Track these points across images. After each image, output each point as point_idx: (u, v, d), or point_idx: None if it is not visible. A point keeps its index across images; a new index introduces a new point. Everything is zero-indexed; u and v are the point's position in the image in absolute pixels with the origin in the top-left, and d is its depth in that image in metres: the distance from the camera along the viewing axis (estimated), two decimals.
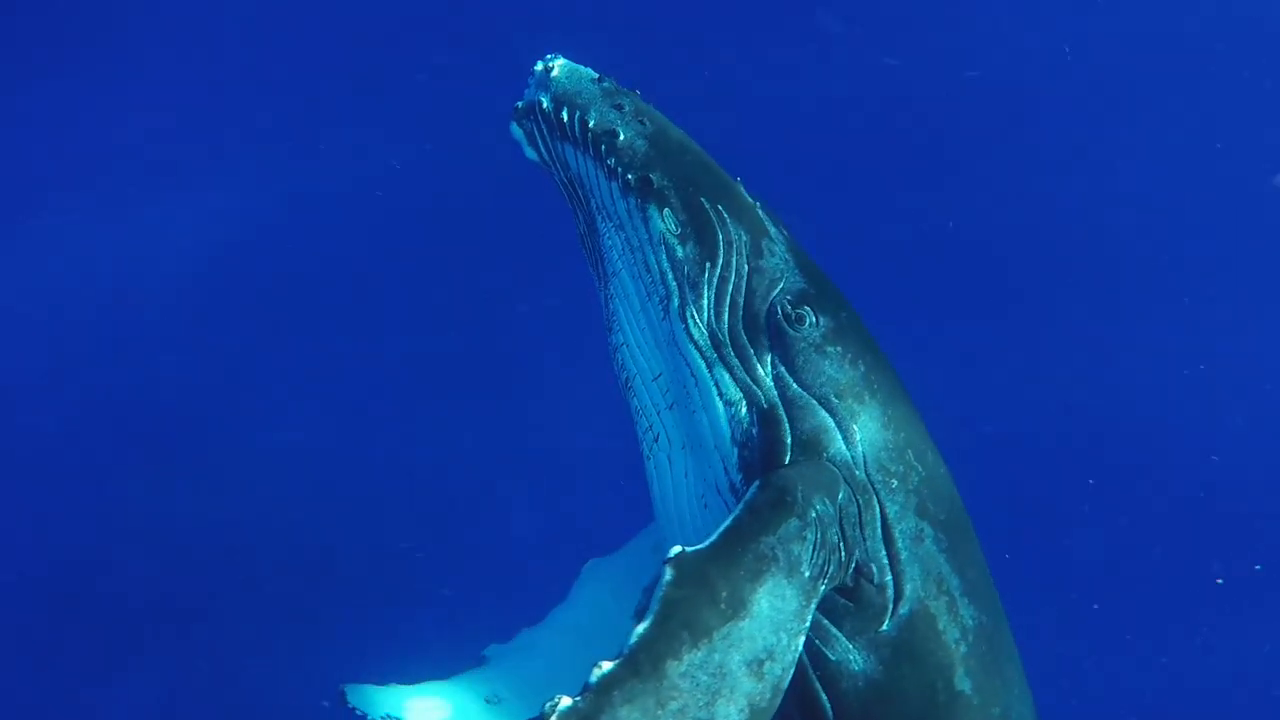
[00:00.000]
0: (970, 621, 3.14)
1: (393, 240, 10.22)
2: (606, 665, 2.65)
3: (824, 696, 3.16)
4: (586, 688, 2.62)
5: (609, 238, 3.38)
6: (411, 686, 4.03)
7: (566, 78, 3.29)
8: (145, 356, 9.70)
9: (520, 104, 3.37)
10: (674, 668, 2.67)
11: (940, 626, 3.11)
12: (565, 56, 3.37)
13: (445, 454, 9.41)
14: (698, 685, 2.69)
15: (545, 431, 9.15)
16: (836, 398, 3.20)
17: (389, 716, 3.90)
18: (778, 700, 2.82)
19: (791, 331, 3.23)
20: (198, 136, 10.77)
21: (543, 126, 3.35)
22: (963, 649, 3.12)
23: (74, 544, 8.90)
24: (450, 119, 10.11)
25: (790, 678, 2.86)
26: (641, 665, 2.65)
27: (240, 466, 9.20)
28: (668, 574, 2.78)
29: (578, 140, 3.28)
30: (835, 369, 3.22)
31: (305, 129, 10.79)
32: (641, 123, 3.26)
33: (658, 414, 3.42)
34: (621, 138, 3.23)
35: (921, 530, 3.15)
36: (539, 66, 3.33)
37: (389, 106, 10.77)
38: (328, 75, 10.91)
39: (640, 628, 2.70)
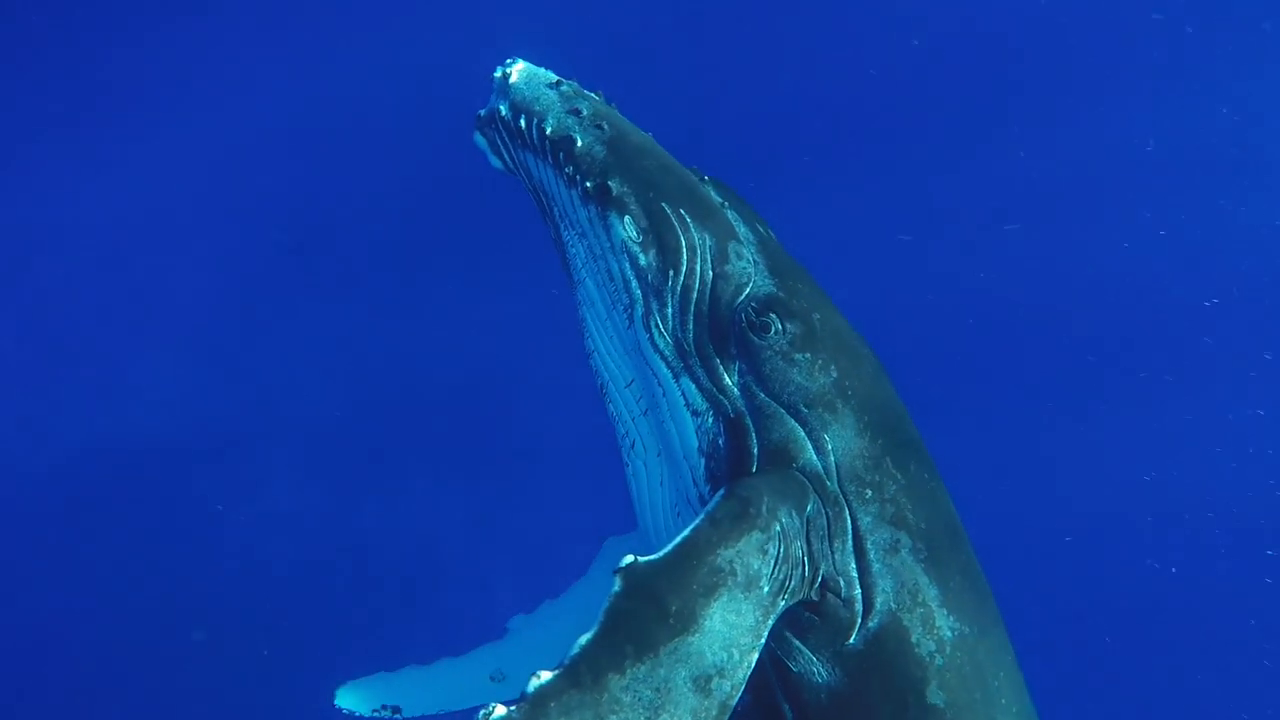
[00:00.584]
0: (949, 633, 2.96)
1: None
2: (545, 675, 2.55)
3: (785, 706, 3.04)
4: (523, 697, 2.53)
5: (573, 246, 3.28)
6: (409, 670, 4.00)
7: (524, 83, 3.18)
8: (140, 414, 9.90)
9: (482, 112, 3.28)
10: (615, 681, 2.57)
11: (913, 639, 2.95)
12: (526, 59, 3.25)
13: (470, 443, 9.51)
14: (639, 700, 2.58)
15: (562, 417, 9.13)
16: (806, 407, 3.03)
17: (385, 706, 3.89)
18: (725, 716, 2.68)
19: (756, 340, 3.06)
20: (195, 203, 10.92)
21: (503, 134, 3.25)
22: (938, 661, 2.95)
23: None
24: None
25: (740, 693, 2.72)
26: (581, 677, 2.56)
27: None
28: (616, 584, 2.66)
29: (536, 148, 3.18)
30: (804, 377, 3.05)
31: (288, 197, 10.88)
32: (599, 128, 3.14)
33: (632, 420, 3.31)
34: (579, 144, 3.12)
35: (898, 541, 3.00)
36: (498, 72, 3.22)
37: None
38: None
39: (583, 639, 2.60)
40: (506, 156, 3.32)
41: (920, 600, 2.97)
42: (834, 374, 3.07)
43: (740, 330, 3.08)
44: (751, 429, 3.06)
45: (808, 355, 3.06)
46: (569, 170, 3.13)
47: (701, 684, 2.65)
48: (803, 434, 3.02)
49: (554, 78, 3.21)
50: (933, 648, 2.96)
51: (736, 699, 2.71)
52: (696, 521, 2.81)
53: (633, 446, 3.33)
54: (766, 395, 3.06)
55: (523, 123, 3.17)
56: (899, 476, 3.04)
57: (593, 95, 3.23)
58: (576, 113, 3.15)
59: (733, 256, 3.13)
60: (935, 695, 2.93)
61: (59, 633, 9.13)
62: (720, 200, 3.19)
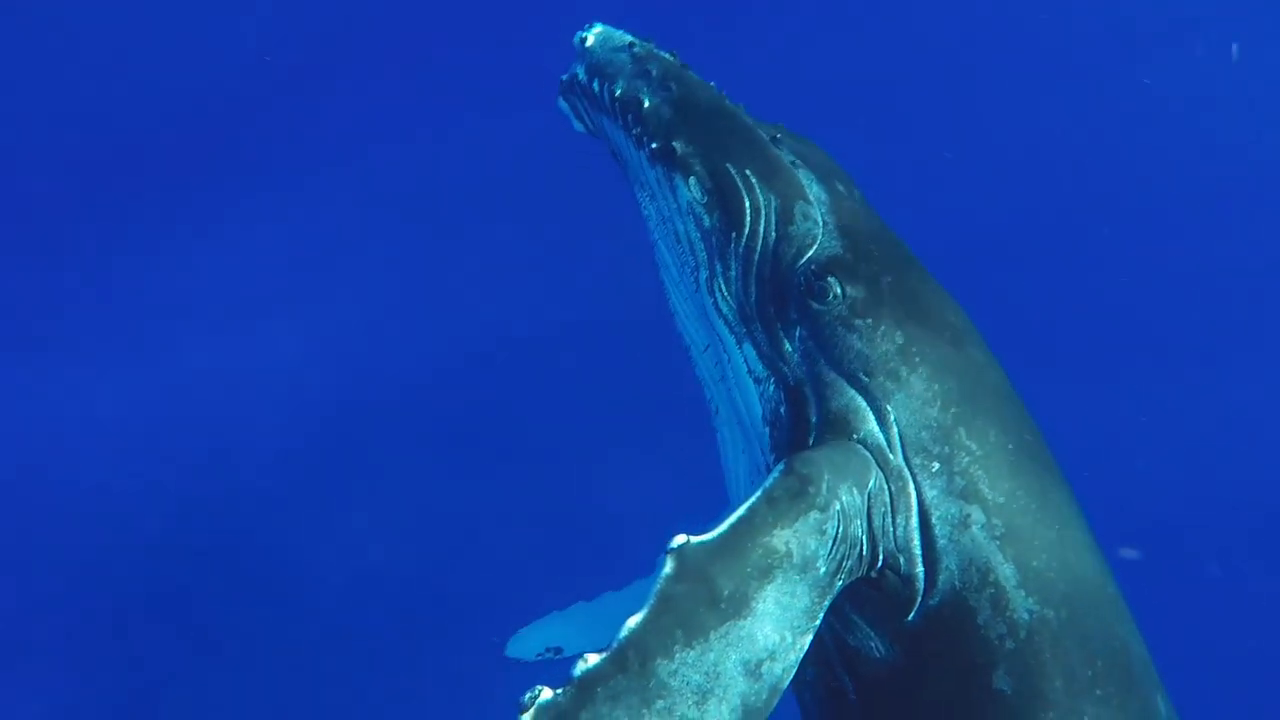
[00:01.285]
0: (1025, 616, 2.79)
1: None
2: (593, 659, 2.48)
3: (846, 679, 2.95)
4: (570, 681, 2.45)
5: (645, 208, 3.28)
6: (578, 606, 4.17)
7: (600, 46, 3.22)
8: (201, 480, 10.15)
9: (564, 78, 3.33)
10: (663, 666, 2.48)
11: (979, 620, 2.78)
12: (605, 22, 3.31)
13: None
14: (688, 684, 2.49)
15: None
16: (866, 375, 2.90)
17: (549, 649, 4.01)
18: (775, 699, 2.59)
19: (815, 304, 2.96)
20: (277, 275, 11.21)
21: (582, 99, 3.30)
22: (1009, 645, 2.77)
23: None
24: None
25: (792, 675, 2.63)
26: (629, 662, 2.47)
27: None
28: (668, 566, 2.57)
29: (609, 110, 3.20)
30: (864, 344, 2.92)
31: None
32: (668, 88, 3.12)
33: (714, 385, 3.27)
34: (646, 105, 3.11)
35: (968, 516, 2.83)
36: (577, 37, 3.27)
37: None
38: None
39: (632, 621, 2.51)
40: (587, 120, 3.37)
41: (991, 580, 2.79)
42: (899, 340, 2.92)
43: (799, 294, 2.99)
44: (811, 398, 2.95)
45: (869, 320, 2.93)
46: (637, 131, 3.14)
47: (752, 668, 2.55)
48: (863, 404, 2.90)
49: (629, 40, 3.23)
50: (1003, 631, 2.78)
51: (788, 682, 2.62)
52: (753, 499, 2.70)
53: (716, 413, 3.30)
54: (826, 362, 2.94)
55: (596, 86, 3.20)
56: (974, 448, 2.87)
57: (665, 55, 3.22)
58: (646, 74, 3.15)
59: (799, 218, 3.03)
60: (1002, 681, 2.77)
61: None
62: (793, 159, 3.11)
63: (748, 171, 3.04)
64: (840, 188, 3.16)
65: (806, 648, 2.65)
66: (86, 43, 11.86)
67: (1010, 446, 2.93)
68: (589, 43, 3.24)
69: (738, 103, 3.23)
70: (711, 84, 3.23)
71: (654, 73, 3.14)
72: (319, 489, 9.92)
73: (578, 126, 3.44)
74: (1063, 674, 2.78)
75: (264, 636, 9.09)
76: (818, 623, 2.68)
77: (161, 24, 11.88)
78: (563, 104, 3.41)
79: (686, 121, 3.09)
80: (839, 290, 2.95)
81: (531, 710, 2.41)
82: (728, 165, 3.05)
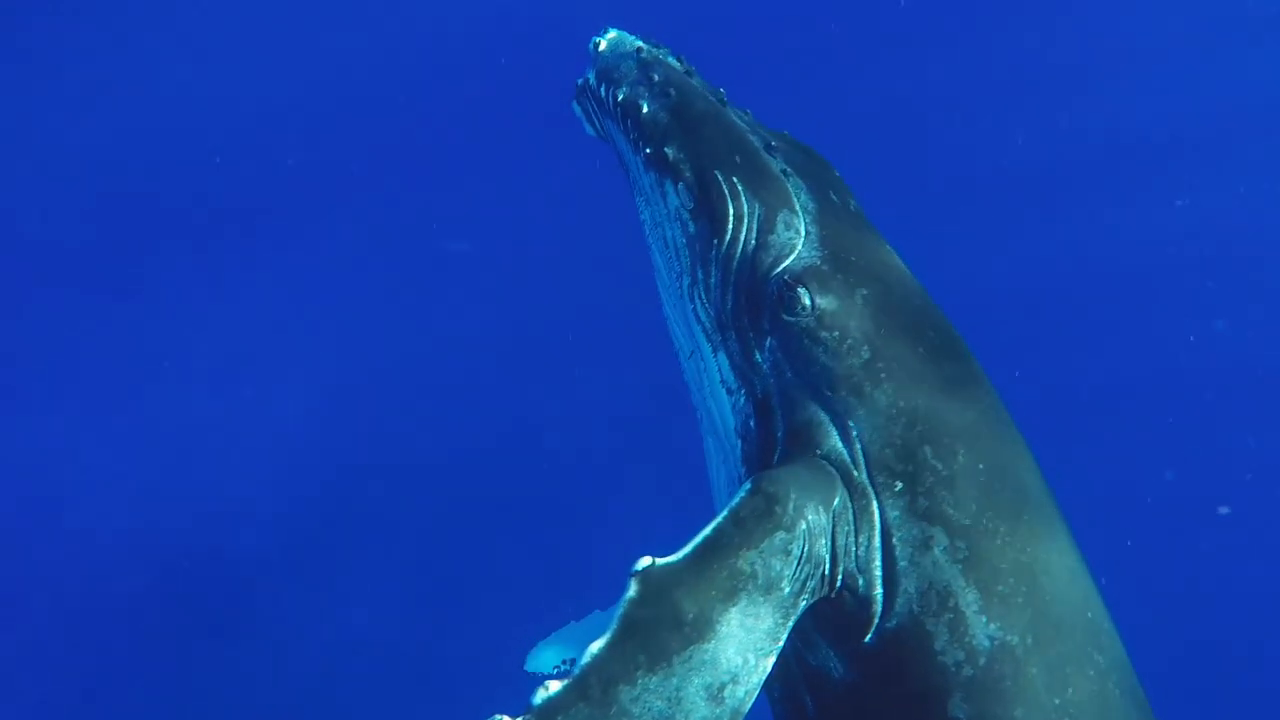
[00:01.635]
0: (986, 643, 2.69)
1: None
2: (554, 686, 2.43)
3: (807, 696, 2.88)
4: (529, 709, 2.40)
5: (642, 213, 3.25)
6: (595, 615, 3.85)
7: (610, 52, 3.21)
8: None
9: (579, 81, 3.33)
10: (626, 693, 2.43)
11: (936, 646, 2.69)
12: (620, 27, 3.31)
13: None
14: (649, 711, 2.45)
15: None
16: (829, 389, 2.84)
17: (565, 661, 3.76)
18: None
19: (785, 315, 2.90)
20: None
21: (592, 103, 3.29)
22: (966, 672, 2.67)
23: None
24: None
25: (755, 697, 2.57)
26: (591, 689, 2.42)
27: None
28: (632, 589, 2.52)
29: (614, 115, 3.20)
30: (829, 357, 2.85)
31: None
32: (667, 94, 3.09)
33: (697, 393, 3.22)
34: (645, 110, 3.09)
35: (930, 538, 2.74)
36: (592, 42, 3.27)
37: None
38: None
39: (595, 647, 2.46)
40: (597, 125, 3.36)
41: (951, 605, 2.70)
42: (865, 355, 2.85)
43: (771, 303, 2.93)
44: (777, 411, 2.90)
45: (836, 334, 2.86)
46: (634, 136, 3.13)
47: (715, 693, 2.49)
48: (826, 418, 2.84)
49: (638, 45, 3.22)
50: (961, 657, 2.68)
51: (750, 705, 2.56)
52: (719, 520, 2.64)
53: (701, 421, 3.25)
54: (793, 375, 2.89)
55: (604, 90, 3.19)
56: (939, 467, 2.78)
57: (671, 61, 3.21)
58: (649, 80, 3.13)
59: (780, 226, 2.97)
60: (958, 709, 2.67)
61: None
62: (784, 168, 3.06)
63: (734, 178, 3.00)
64: (834, 197, 3.11)
65: (769, 670, 2.59)
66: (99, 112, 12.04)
67: (981, 467, 2.83)
68: (601, 47, 3.22)
69: (744, 109, 3.22)
70: (720, 90, 3.21)
71: (656, 79, 3.11)
72: (312, 544, 9.86)
73: (589, 130, 3.42)
74: (1025, 703, 2.68)
75: (253, 692, 8.97)
76: (780, 644, 2.62)
77: (159, 92, 12.08)
78: (576, 108, 3.39)
79: (680, 128, 3.06)
80: (808, 301, 2.88)
81: None
82: (715, 172, 3.01)
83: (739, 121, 3.11)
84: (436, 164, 11.95)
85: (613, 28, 3.30)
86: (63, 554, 9.85)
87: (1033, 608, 2.75)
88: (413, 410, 10.75)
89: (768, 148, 3.07)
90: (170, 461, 10.44)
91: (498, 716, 2.38)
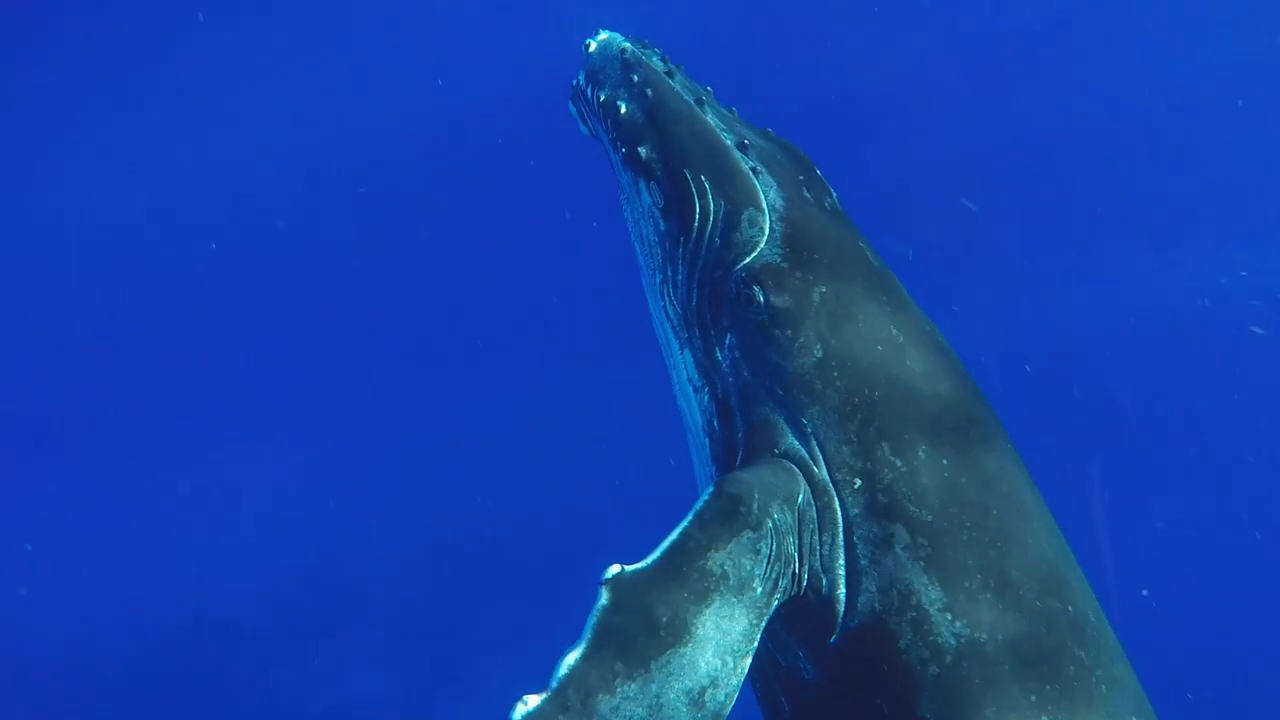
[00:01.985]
0: (951, 641, 2.63)
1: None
2: (533, 700, 2.39)
3: (782, 696, 2.84)
4: None
5: (625, 211, 3.27)
6: None
7: (599, 53, 3.26)
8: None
9: (573, 83, 3.37)
10: (605, 702, 2.40)
11: (901, 645, 2.64)
12: (612, 28, 3.36)
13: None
14: (630, 719, 2.41)
15: None
16: (782, 388, 2.84)
17: None
18: None
19: (742, 313, 2.90)
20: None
21: (583, 104, 3.33)
22: (932, 671, 2.62)
23: None
24: None
25: (735, 699, 2.54)
26: (569, 701, 2.39)
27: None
28: (603, 598, 2.50)
29: (599, 115, 3.25)
30: (781, 355, 2.85)
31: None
32: (644, 94, 3.13)
33: (677, 390, 3.22)
34: (623, 110, 3.14)
35: (891, 535, 2.71)
36: (584, 43, 3.32)
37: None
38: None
39: (570, 658, 2.43)
40: (590, 124, 3.38)
41: (914, 603, 2.66)
42: (818, 354, 2.84)
43: (730, 301, 2.94)
44: (736, 409, 2.91)
45: (788, 333, 2.86)
46: (613, 136, 3.17)
47: (696, 697, 2.47)
48: (781, 418, 2.83)
49: (624, 45, 3.25)
50: (926, 656, 2.63)
51: (730, 708, 2.53)
52: (685, 523, 2.64)
53: (681, 417, 3.24)
54: (749, 373, 2.90)
55: (590, 91, 3.24)
56: (898, 464, 2.76)
57: (652, 62, 3.23)
58: (630, 81, 3.17)
59: (744, 224, 2.97)
60: (926, 708, 2.62)
61: None
62: (755, 166, 3.06)
63: (702, 177, 3.02)
64: (808, 195, 3.08)
65: (746, 672, 2.57)
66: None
67: (945, 463, 2.78)
68: (591, 48, 3.27)
69: (730, 106, 3.25)
70: (707, 89, 3.24)
71: (635, 79, 3.15)
72: (300, 618, 9.73)
73: (583, 130, 3.46)
74: (996, 702, 2.61)
75: None
76: (755, 645, 2.60)
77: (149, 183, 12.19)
78: (571, 108, 3.43)
79: (654, 127, 3.09)
80: (762, 299, 2.88)
81: None
82: (685, 171, 3.03)
83: (714, 120, 3.12)
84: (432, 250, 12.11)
85: (604, 29, 3.35)
86: (57, 631, 9.71)
87: (1003, 605, 2.68)
88: (402, 481, 10.71)
89: (740, 146, 3.07)
90: (163, 538, 10.35)
91: None
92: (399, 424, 11.33)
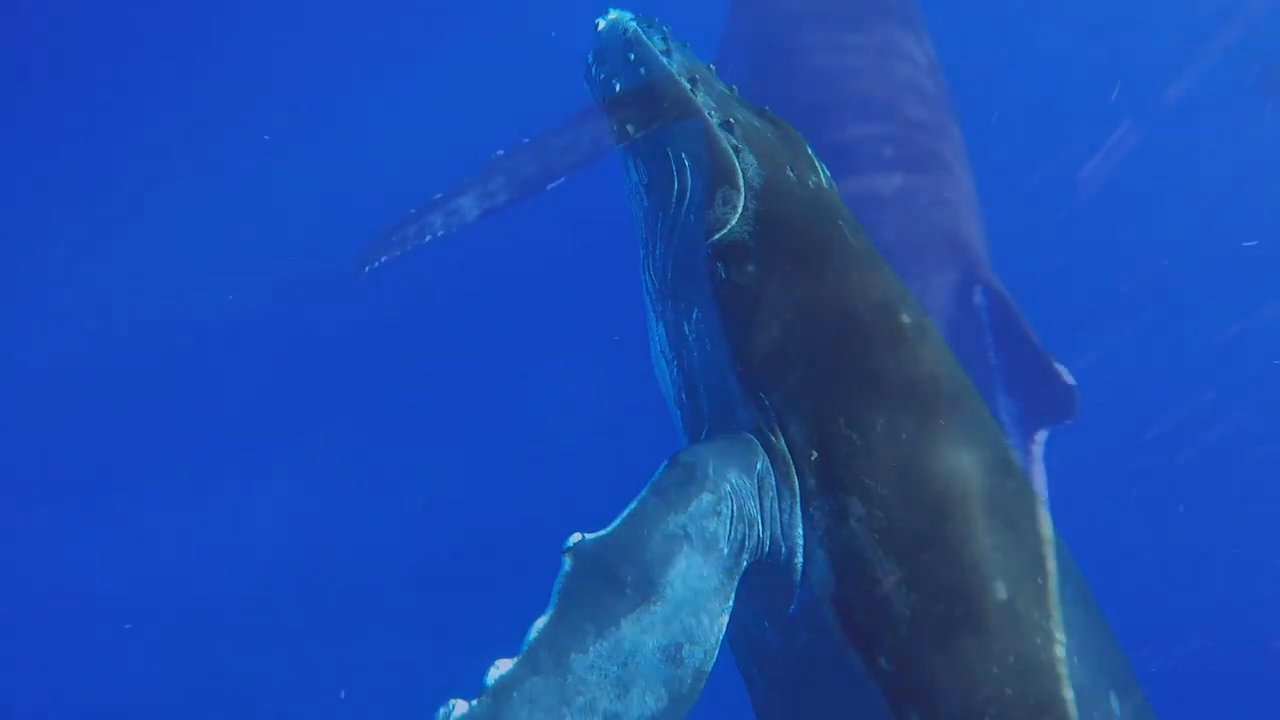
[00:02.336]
0: (907, 613, 2.64)
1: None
2: (505, 664, 2.42)
3: (753, 665, 2.87)
4: (484, 690, 2.38)
5: (622, 186, 3.35)
6: None
7: (606, 33, 3.31)
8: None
9: (587, 60, 3.44)
10: (579, 661, 2.42)
11: (856, 617, 2.67)
12: (621, 9, 3.41)
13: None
14: (606, 678, 2.43)
15: None
16: (741, 363, 2.88)
17: None
18: (701, 684, 2.51)
19: (707, 288, 2.95)
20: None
21: (592, 82, 3.40)
22: (887, 643, 2.65)
23: None
24: None
25: (714, 659, 2.55)
26: (542, 661, 2.41)
27: None
28: (566, 564, 2.54)
29: (600, 94, 3.31)
30: (739, 330, 2.90)
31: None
32: (637, 73, 3.18)
33: (654, 363, 3.28)
34: (617, 89, 3.20)
35: (845, 508, 2.72)
36: (595, 22, 3.38)
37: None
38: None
39: (539, 622, 2.47)
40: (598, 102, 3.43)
41: (868, 575, 2.67)
42: (775, 331, 2.86)
43: (697, 277, 2.99)
44: (699, 383, 2.95)
45: (747, 307, 2.89)
46: (608, 113, 3.23)
47: (673, 654, 2.49)
48: (741, 392, 2.87)
49: (630, 25, 3.28)
50: (880, 627, 2.65)
51: (711, 665, 2.54)
52: (642, 494, 2.68)
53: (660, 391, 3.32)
54: (712, 347, 2.93)
55: (594, 70, 3.31)
56: (854, 438, 2.76)
57: (651, 40, 3.25)
58: (626, 59, 3.22)
59: (718, 202, 3.00)
60: (884, 678, 2.66)
61: None
62: (737, 145, 3.06)
63: (683, 154, 3.06)
64: (790, 174, 3.07)
65: (723, 631, 2.58)
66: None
67: (905, 437, 2.75)
68: (600, 28, 3.32)
69: (731, 85, 3.26)
70: (709, 65, 3.26)
71: (632, 58, 3.19)
72: (300, 618, 9.75)
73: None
74: (956, 674, 2.61)
75: None
76: (730, 604, 2.61)
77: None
78: (586, 86, 3.48)
79: (641, 105, 3.14)
80: (724, 274, 2.92)
81: None
82: (667, 149, 3.08)
83: (704, 99, 3.12)
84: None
85: (614, 9, 3.39)
86: (54, 661, 9.74)
87: (961, 577, 2.66)
88: (402, 481, 10.73)
89: (725, 125, 3.07)
90: (159, 563, 10.40)
91: (453, 701, 2.36)
92: (399, 423, 11.34)
